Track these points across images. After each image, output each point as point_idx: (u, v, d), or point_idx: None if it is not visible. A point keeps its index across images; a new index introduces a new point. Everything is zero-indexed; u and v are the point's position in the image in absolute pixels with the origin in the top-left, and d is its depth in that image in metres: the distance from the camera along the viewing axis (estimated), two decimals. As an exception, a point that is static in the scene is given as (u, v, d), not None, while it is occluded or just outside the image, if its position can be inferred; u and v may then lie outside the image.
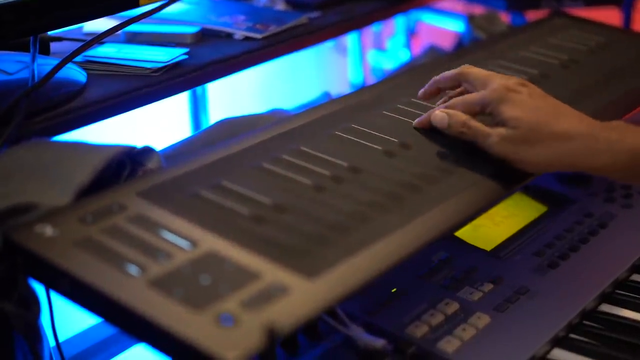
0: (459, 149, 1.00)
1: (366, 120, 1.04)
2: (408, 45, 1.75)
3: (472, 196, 0.94)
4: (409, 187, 0.92)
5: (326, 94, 1.39)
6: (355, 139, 1.00)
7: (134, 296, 0.73)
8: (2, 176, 0.84)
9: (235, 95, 1.51)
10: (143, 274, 0.75)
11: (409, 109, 1.08)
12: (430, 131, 1.03)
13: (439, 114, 1.00)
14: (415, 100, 1.10)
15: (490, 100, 0.96)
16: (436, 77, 1.05)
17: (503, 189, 0.96)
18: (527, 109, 0.95)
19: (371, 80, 1.77)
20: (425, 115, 1.03)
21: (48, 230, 0.80)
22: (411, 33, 1.76)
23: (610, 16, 2.01)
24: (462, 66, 1.03)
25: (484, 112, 0.98)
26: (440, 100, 1.07)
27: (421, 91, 1.07)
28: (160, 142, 1.14)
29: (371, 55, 1.78)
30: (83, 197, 0.85)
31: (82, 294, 0.76)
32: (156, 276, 0.75)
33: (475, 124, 0.97)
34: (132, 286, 0.74)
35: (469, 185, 0.94)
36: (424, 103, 1.09)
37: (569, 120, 0.95)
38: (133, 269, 0.76)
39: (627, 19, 1.97)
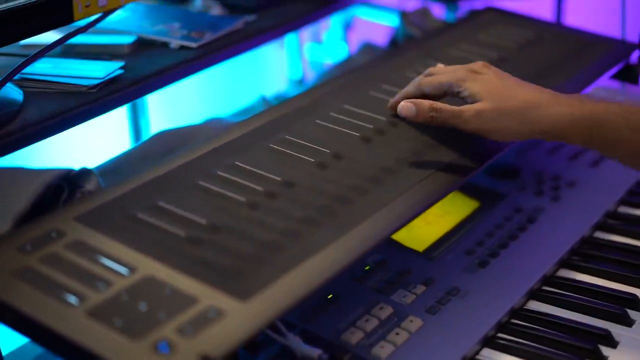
0: (388, 158, 1.02)
1: (300, 131, 1.06)
2: (345, 39, 1.77)
3: (402, 205, 0.96)
4: (341, 199, 0.94)
5: (262, 99, 1.40)
6: (289, 152, 1.02)
7: (73, 327, 0.75)
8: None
9: (174, 101, 1.52)
10: (82, 304, 0.77)
11: (342, 117, 1.11)
12: (362, 140, 1.06)
13: (404, 104, 1.06)
14: (348, 107, 1.13)
15: (457, 80, 1.03)
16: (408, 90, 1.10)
17: (432, 196, 1.00)
18: (494, 84, 1.02)
19: (309, 74, 1.79)
20: (397, 96, 1.09)
21: (-14, 261, 0.81)
22: (347, 27, 1.78)
23: (544, 4, 2.05)
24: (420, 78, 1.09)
25: (451, 93, 1.04)
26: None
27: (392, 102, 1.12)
28: (100, 155, 1.15)
29: (308, 49, 1.80)
30: (22, 224, 0.86)
31: (25, 326, 0.77)
32: (95, 305, 0.77)
33: (444, 105, 1.03)
34: (71, 317, 0.76)
35: (399, 194, 0.97)
36: (357, 110, 1.12)
37: (533, 90, 1.03)
38: (72, 299, 0.77)
39: (559, 5, 2.01)
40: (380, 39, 1.69)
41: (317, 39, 1.80)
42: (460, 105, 1.03)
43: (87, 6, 1.13)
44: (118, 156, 1.12)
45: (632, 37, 1.46)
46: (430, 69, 1.11)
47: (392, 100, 1.11)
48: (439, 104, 1.04)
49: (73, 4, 1.11)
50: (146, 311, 0.77)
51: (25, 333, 0.78)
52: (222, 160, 0.99)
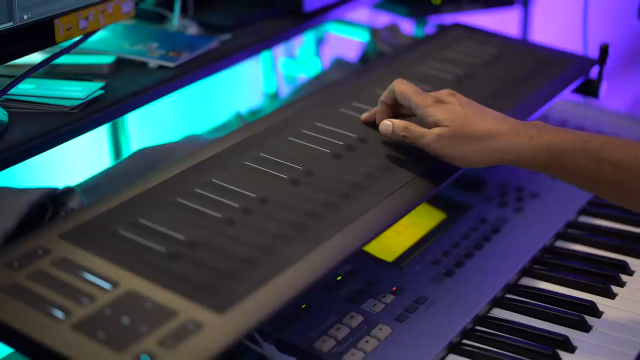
0: (358, 173, 1.07)
1: (273, 148, 1.11)
2: (318, 54, 1.82)
3: (371, 219, 1.01)
4: (312, 215, 0.99)
5: (238, 115, 1.44)
6: (263, 169, 1.06)
7: (60, 340, 0.79)
8: None
9: (151, 117, 1.55)
10: (68, 318, 0.81)
11: (314, 134, 1.15)
12: (332, 156, 1.10)
13: (384, 122, 1.11)
14: (319, 124, 1.17)
15: (424, 105, 1.07)
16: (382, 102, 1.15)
17: (400, 210, 1.04)
18: (457, 112, 1.06)
19: (284, 88, 1.83)
20: (371, 111, 1.17)
21: (-25, 279, 0.85)
22: (320, 42, 1.82)
23: (512, 18, 2.11)
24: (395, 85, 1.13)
25: (417, 115, 1.09)
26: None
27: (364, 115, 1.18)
28: (80, 172, 1.19)
29: (283, 64, 1.85)
30: (8, 242, 0.90)
31: (14, 340, 0.81)
32: (80, 319, 0.81)
33: (415, 127, 1.08)
34: (58, 331, 0.80)
35: (368, 209, 1.02)
36: (328, 127, 1.17)
37: (493, 120, 1.06)
38: (59, 313, 0.82)
39: (525, 20, 2.07)
40: (352, 54, 1.74)
41: (291, 54, 1.84)
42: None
43: (68, 29, 1.17)
44: (99, 173, 1.16)
45: (593, 53, 1.51)
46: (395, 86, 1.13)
47: (365, 115, 1.16)
48: (411, 127, 1.08)
49: (55, 28, 1.15)
50: (128, 324, 0.81)
51: (13, 346, 0.82)
52: (200, 178, 1.03)
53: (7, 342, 0.82)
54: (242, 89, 1.80)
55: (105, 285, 0.85)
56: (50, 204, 0.97)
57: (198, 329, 0.81)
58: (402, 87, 1.11)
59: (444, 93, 1.10)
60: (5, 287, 0.84)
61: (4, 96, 1.14)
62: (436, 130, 1.05)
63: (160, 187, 1.02)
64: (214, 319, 0.83)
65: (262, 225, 0.96)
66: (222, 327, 0.82)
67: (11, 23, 1.09)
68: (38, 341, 0.79)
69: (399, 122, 1.10)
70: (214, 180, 1.03)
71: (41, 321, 0.81)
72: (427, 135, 1.06)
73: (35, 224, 0.96)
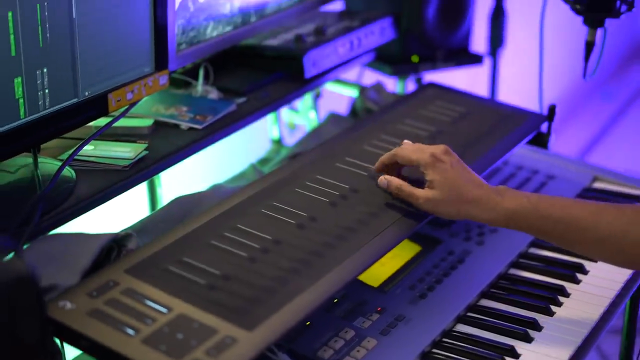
0: (351, 219, 1.33)
1: (284, 198, 1.37)
2: (315, 107, 2.08)
3: (362, 255, 1.27)
4: (315, 253, 1.25)
5: (252, 166, 1.71)
6: (276, 215, 1.32)
7: (133, 351, 1.05)
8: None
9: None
10: (137, 335, 1.07)
11: (315, 185, 1.41)
12: (330, 204, 1.36)
13: (382, 179, 1.38)
14: (319, 177, 1.43)
15: (425, 164, 1.32)
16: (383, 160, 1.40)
17: (384, 247, 1.30)
18: (447, 176, 1.31)
19: (286, 134, 2.10)
20: (378, 162, 1.40)
21: (68, 305, 1.11)
22: (317, 97, 2.09)
23: (482, 71, 2.37)
24: (396, 150, 1.37)
25: (418, 171, 1.33)
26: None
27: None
28: (126, 214, 1.44)
29: (285, 114, 2.11)
30: (87, 277, 1.16)
31: (97, 351, 1.07)
32: (146, 335, 1.07)
33: (407, 188, 1.34)
34: (131, 344, 1.06)
35: (359, 248, 1.28)
36: (326, 179, 1.42)
37: (474, 188, 1.32)
38: (130, 331, 1.07)
39: (494, 75, 2.34)
40: (344, 106, 2.00)
41: (292, 106, 2.10)
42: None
43: (118, 100, 1.42)
44: (147, 217, 1.42)
45: (550, 98, 1.76)
46: (405, 142, 1.40)
47: (375, 165, 1.42)
48: (404, 187, 1.34)
49: (108, 100, 1.41)
50: (182, 339, 1.07)
51: (96, 355, 1.08)
52: (227, 223, 1.29)
53: (93, 353, 1.08)
54: (252, 135, 2.06)
55: (162, 309, 1.11)
56: (115, 246, 1.23)
57: (233, 343, 1.07)
58: (403, 152, 1.35)
59: (440, 151, 1.33)
60: (89, 311, 1.10)
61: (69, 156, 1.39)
62: (428, 193, 1.31)
63: (197, 231, 1.28)
64: (245, 335, 1.08)
65: (277, 262, 1.22)
66: (251, 341, 1.08)
67: (76, 99, 1.35)
68: (119, 352, 1.04)
69: (394, 181, 1.35)
70: (238, 225, 1.29)
71: (118, 337, 1.07)
72: (417, 195, 1.32)
73: (106, 262, 1.22)
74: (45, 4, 1.24)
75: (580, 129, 4.11)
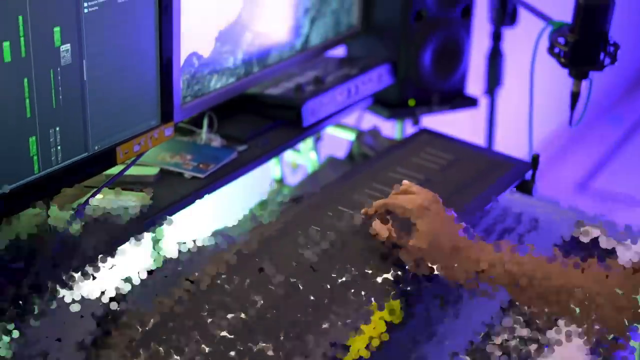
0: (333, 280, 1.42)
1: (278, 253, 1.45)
2: (316, 148, 2.17)
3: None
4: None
5: (253, 216, 1.80)
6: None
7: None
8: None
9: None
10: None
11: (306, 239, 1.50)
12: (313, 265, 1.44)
13: (373, 228, 1.47)
14: (314, 226, 1.52)
15: (414, 214, 1.41)
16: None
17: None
18: (431, 229, 1.39)
19: (288, 174, 2.20)
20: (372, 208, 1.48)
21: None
22: (318, 140, 2.18)
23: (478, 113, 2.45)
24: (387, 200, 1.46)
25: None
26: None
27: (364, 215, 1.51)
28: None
29: (288, 154, 2.20)
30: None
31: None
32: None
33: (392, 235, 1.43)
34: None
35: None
36: (317, 229, 1.51)
37: (451, 240, 1.39)
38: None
39: (491, 114, 2.42)
40: (343, 149, 2.10)
41: (295, 147, 2.19)
42: None
43: (125, 153, 1.52)
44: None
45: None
46: (401, 188, 1.49)
47: (365, 209, 1.50)
48: (392, 234, 1.43)
49: (116, 153, 1.50)
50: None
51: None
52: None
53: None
54: (255, 175, 2.15)
55: None
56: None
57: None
58: (395, 204, 1.44)
59: (429, 200, 1.43)
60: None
61: (79, 206, 1.49)
62: (411, 244, 1.39)
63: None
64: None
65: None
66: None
67: (86, 153, 1.45)
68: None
69: (382, 229, 1.45)
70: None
71: None
72: (402, 248, 1.41)
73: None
74: (59, 69, 1.34)
75: (567, 171, 4.17)
